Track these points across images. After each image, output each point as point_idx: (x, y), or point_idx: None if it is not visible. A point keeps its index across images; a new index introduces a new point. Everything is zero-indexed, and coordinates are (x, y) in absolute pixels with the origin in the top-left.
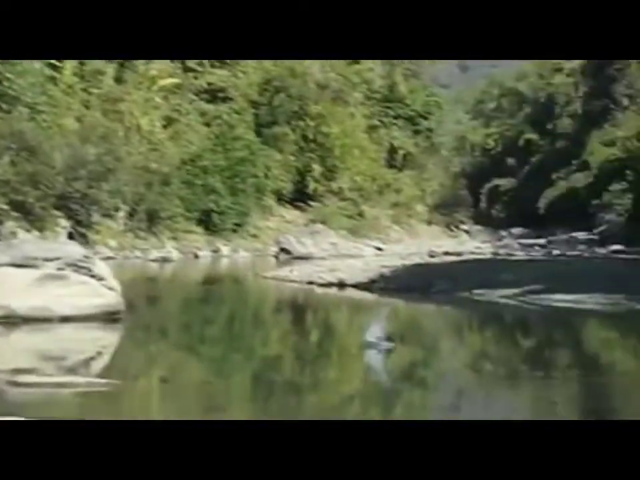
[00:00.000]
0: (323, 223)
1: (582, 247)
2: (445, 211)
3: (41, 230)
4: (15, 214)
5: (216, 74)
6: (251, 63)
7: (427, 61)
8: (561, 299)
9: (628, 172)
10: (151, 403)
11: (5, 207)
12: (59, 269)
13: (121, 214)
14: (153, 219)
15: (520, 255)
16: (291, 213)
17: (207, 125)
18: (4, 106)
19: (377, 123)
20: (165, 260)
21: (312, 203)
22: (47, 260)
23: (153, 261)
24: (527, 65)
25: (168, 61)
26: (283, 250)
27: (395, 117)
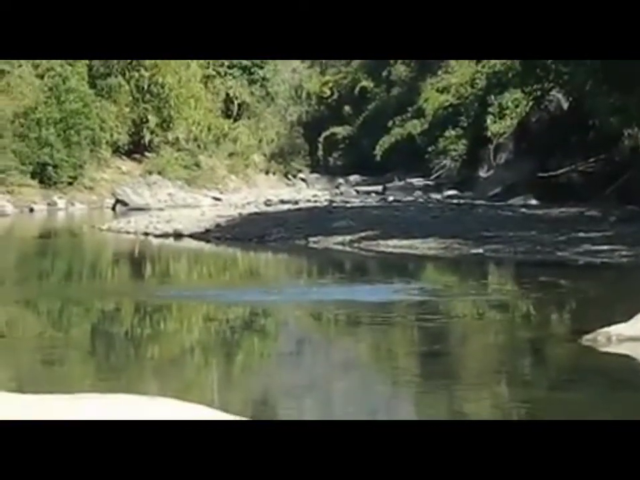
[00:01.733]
0: (160, 173)
1: (418, 192)
2: (282, 160)
3: None
4: None
5: None
6: None
7: None
8: (395, 245)
9: (462, 118)
10: None
11: None
12: None
13: None
14: None
15: (356, 202)
16: (127, 165)
17: (40, 77)
18: None
19: (212, 72)
20: None
21: (148, 154)
22: None
23: None
24: None
25: None
26: (120, 201)
27: (230, 67)
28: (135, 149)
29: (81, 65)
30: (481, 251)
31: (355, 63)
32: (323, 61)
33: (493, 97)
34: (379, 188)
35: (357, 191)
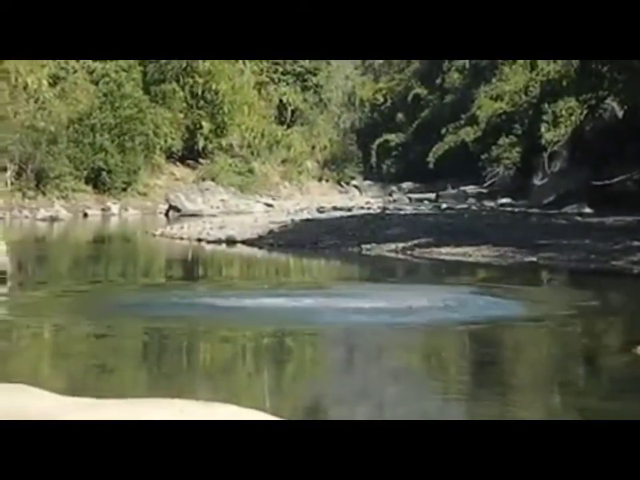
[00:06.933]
0: (213, 180)
1: (471, 200)
2: (335, 166)
3: None
4: None
5: None
6: None
7: None
8: (448, 252)
9: (515, 126)
10: (40, 365)
11: None
12: None
13: (9, 173)
14: (41, 178)
15: (409, 209)
16: (180, 170)
17: (95, 82)
18: None
19: (266, 79)
20: (53, 219)
21: (201, 160)
22: None
23: (42, 220)
24: None
25: None
26: (173, 207)
27: (284, 73)
28: (189, 154)
29: (136, 71)
30: (534, 259)
31: (409, 70)
32: (376, 67)
33: (547, 104)
34: (432, 195)
35: (410, 198)
